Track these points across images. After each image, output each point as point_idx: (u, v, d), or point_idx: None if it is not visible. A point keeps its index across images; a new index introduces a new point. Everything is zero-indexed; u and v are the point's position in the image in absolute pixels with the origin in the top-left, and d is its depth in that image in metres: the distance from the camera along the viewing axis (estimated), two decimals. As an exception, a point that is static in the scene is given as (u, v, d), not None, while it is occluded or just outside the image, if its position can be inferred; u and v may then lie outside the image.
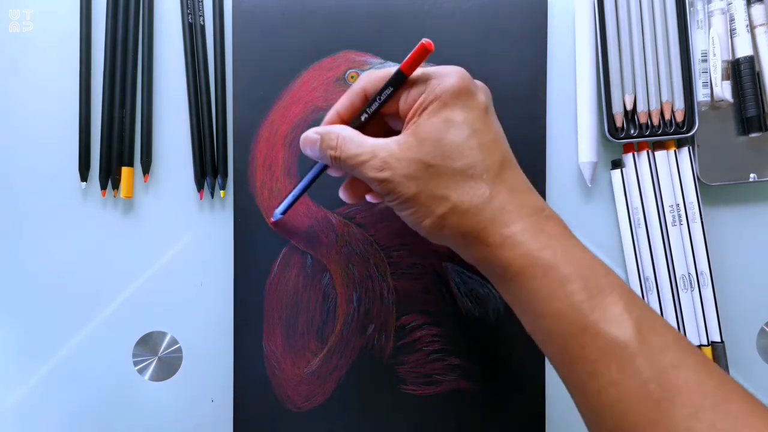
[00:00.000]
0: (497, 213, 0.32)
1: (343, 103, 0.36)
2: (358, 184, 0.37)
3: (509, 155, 0.34)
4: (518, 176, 0.34)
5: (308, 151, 0.37)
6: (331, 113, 0.37)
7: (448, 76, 0.33)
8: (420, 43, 0.32)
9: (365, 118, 0.35)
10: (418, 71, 0.33)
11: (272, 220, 0.43)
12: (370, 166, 0.33)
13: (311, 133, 0.36)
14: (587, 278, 0.30)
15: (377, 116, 0.35)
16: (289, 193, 0.41)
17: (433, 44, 0.32)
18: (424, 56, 0.32)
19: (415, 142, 0.32)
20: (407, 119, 0.33)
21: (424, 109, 0.33)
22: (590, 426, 0.30)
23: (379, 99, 0.34)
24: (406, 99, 0.34)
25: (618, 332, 0.28)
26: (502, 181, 0.32)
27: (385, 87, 0.34)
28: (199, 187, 0.44)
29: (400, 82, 0.33)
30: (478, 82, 0.34)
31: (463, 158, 0.32)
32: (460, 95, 0.32)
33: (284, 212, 0.42)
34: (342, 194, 0.38)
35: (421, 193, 0.32)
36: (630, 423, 0.28)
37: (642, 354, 0.28)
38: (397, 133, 0.35)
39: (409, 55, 0.32)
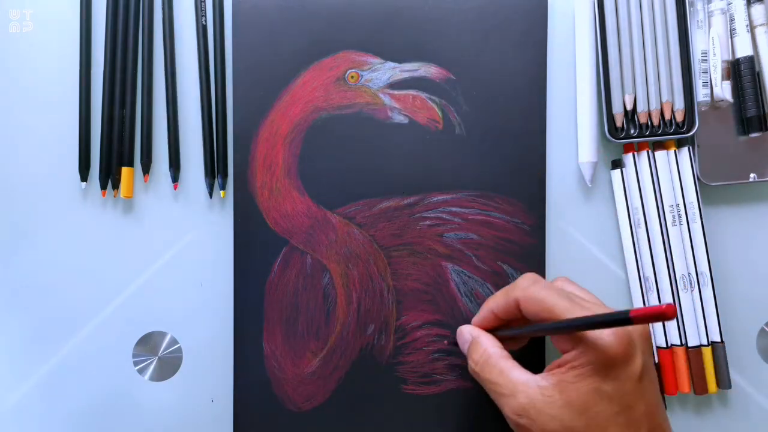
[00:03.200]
0: None
1: (498, 303, 0.37)
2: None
3: (661, 424, 0.32)
4: None
5: (461, 347, 0.39)
6: (485, 310, 0.38)
7: (605, 341, 0.31)
8: (667, 305, 0.27)
9: (521, 335, 0.36)
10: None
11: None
12: (508, 405, 0.33)
13: (467, 333, 0.38)
14: None
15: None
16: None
17: (675, 312, 0.27)
18: (660, 319, 0.27)
19: (560, 401, 0.31)
20: (553, 366, 0.33)
21: (574, 367, 0.31)
22: None
23: (555, 328, 0.33)
24: (558, 338, 0.33)
25: None
26: None
27: (585, 322, 0.31)
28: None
29: (617, 324, 0.30)
30: (638, 337, 0.32)
31: None
32: (615, 364, 0.31)
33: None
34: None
35: None
36: None
37: None
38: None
39: (647, 308, 0.27)
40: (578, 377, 0.31)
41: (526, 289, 0.35)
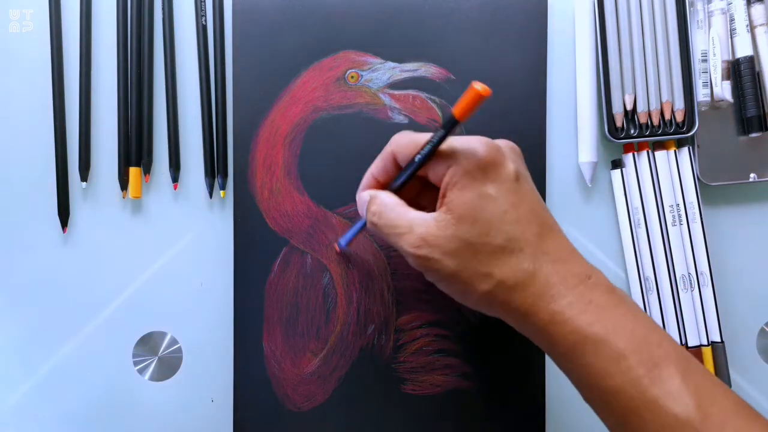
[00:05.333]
0: (543, 287, 0.31)
1: (377, 165, 0.37)
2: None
3: (549, 221, 0.33)
4: (560, 243, 0.33)
5: (360, 211, 0.37)
6: (367, 176, 0.37)
7: (473, 149, 0.32)
8: (471, 87, 0.30)
9: (403, 179, 0.35)
10: (444, 144, 0.33)
11: (338, 248, 0.43)
12: (407, 242, 0.33)
13: (365, 195, 0.37)
14: (641, 351, 0.30)
15: (414, 180, 0.35)
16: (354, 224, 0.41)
17: (488, 90, 0.30)
18: (478, 102, 0.30)
19: (453, 219, 0.32)
20: (440, 194, 0.33)
21: (455, 184, 0.32)
22: None
23: (422, 154, 0.33)
24: (435, 171, 0.33)
25: (678, 408, 0.28)
26: (544, 252, 0.32)
27: (435, 136, 0.33)
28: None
29: (452, 126, 0.32)
30: (504, 146, 0.33)
31: (503, 234, 0.32)
32: (488, 168, 0.32)
33: (348, 242, 0.42)
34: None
35: (462, 270, 0.32)
36: None
37: (704, 429, 0.28)
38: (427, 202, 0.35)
39: (461, 100, 0.31)
40: (460, 190, 0.32)
41: (396, 139, 0.36)
